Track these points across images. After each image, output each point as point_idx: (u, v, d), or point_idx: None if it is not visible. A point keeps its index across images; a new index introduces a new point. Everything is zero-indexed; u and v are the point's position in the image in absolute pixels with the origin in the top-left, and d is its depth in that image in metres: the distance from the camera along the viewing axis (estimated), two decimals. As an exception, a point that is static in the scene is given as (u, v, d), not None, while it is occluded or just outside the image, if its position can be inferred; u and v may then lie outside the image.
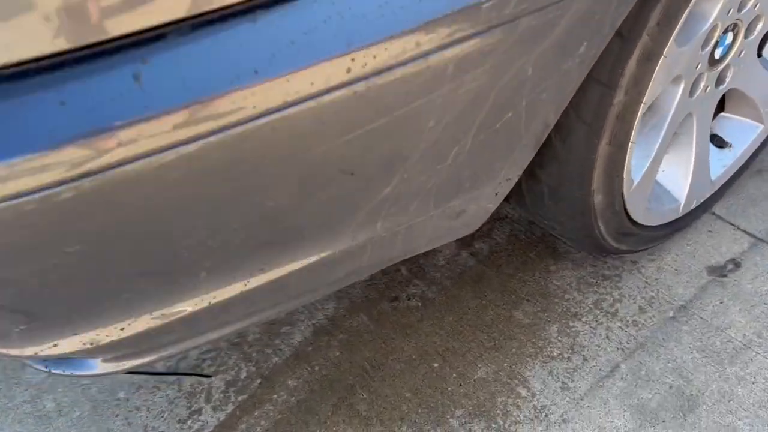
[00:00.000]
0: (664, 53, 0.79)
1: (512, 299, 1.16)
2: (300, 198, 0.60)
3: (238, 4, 0.52)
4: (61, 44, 0.47)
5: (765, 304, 1.09)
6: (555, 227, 1.01)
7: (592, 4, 0.66)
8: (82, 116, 0.48)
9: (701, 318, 1.09)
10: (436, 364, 1.09)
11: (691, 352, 1.05)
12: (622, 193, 0.94)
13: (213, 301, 0.65)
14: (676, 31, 0.79)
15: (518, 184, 0.95)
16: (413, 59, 0.57)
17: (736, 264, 1.15)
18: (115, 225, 0.54)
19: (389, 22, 0.56)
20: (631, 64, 0.77)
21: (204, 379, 1.12)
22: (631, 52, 0.75)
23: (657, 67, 0.80)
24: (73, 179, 0.49)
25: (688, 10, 0.79)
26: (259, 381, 1.10)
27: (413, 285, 1.20)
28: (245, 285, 0.66)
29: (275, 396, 1.08)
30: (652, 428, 0.96)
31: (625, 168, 0.90)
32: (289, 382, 1.10)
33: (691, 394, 1.00)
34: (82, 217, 0.52)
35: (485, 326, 1.13)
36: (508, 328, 1.12)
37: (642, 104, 0.82)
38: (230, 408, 1.08)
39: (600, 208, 0.93)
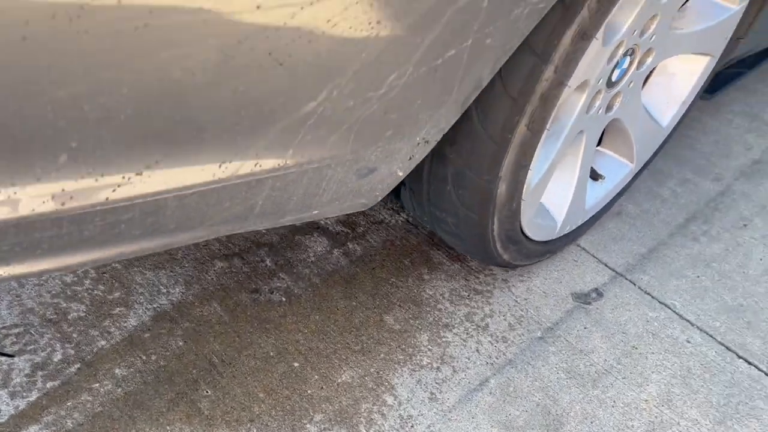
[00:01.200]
0: (596, 36, 0.78)
1: (384, 303, 1.07)
2: (212, 80, 0.48)
3: None
4: None
5: (623, 333, 1.11)
6: (447, 221, 0.95)
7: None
8: None
9: (567, 341, 1.08)
10: (296, 364, 0.96)
11: (557, 373, 1.03)
12: (523, 191, 0.91)
13: (66, 204, 0.49)
14: (609, 17, 0.78)
15: (418, 176, 0.89)
16: None
17: (599, 294, 1.17)
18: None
19: None
20: (566, 40, 0.74)
21: (3, 359, 0.89)
22: (569, 24, 0.73)
23: (587, 49, 0.79)
24: None
25: (589, 47, 0.79)
26: (77, 366, 0.90)
27: (278, 278, 1.08)
28: (112, 191, 0.51)
29: (96, 385, 0.89)
30: (520, 445, 0.91)
31: (534, 159, 0.87)
32: (117, 371, 0.91)
33: (557, 414, 0.97)
34: None
35: (354, 328, 1.02)
36: (377, 333, 1.03)
37: (566, 87, 0.80)
38: (34, 396, 0.86)
39: (500, 201, 0.89)
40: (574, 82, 0.82)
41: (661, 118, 1.23)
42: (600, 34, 0.80)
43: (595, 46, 0.81)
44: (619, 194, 1.28)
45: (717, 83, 1.42)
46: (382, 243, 1.18)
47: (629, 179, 1.25)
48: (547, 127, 0.83)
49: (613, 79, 1.01)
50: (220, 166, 0.55)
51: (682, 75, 1.20)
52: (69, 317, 0.96)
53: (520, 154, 0.83)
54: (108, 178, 0.49)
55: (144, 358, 0.93)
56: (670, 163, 1.52)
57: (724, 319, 1.17)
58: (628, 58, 1.01)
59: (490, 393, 0.98)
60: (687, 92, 1.22)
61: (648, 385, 1.03)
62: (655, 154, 1.30)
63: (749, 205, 1.45)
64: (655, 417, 0.99)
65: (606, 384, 1.03)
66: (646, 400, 1.01)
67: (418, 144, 0.71)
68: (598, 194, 1.21)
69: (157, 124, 0.48)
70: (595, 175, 1.22)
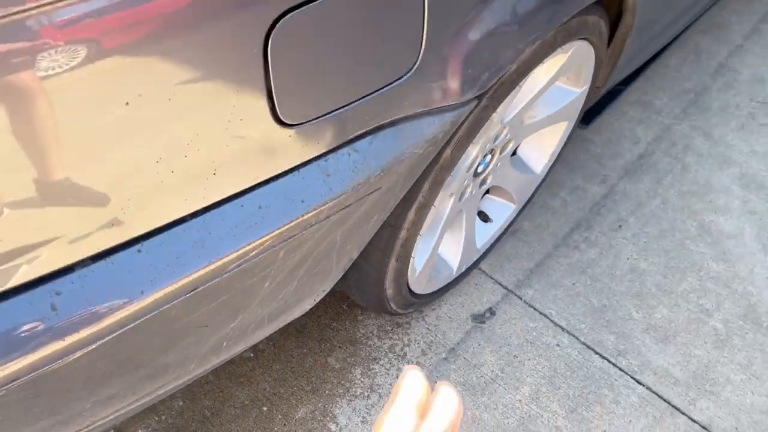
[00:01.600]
0: (434, 204, 1.09)
1: (327, 347, 1.44)
2: (167, 347, 0.82)
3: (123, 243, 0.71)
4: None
5: (508, 345, 1.49)
6: (361, 302, 1.31)
7: (392, 186, 0.93)
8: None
9: (464, 358, 1.46)
10: (265, 408, 1.35)
11: (456, 387, 1.41)
12: (407, 284, 1.25)
13: (92, 425, 0.85)
14: (443, 187, 1.09)
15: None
16: (257, 255, 0.81)
17: (492, 312, 1.54)
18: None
19: (239, 239, 0.78)
20: (411, 214, 1.06)
21: None
22: (409, 207, 1.04)
23: (429, 212, 1.10)
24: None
25: (450, 176, 1.09)
26: (112, 431, 1.29)
27: (245, 337, 1.44)
28: (122, 408, 0.86)
29: (127, 444, 1.28)
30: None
31: (409, 272, 1.21)
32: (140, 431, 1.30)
33: (455, 419, 1.36)
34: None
35: (305, 372, 1.40)
36: (323, 373, 1.41)
37: (419, 236, 1.12)
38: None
39: (390, 295, 1.23)
40: (438, 201, 1.13)
41: (535, 167, 1.53)
42: (437, 202, 1.11)
43: (434, 209, 1.12)
44: (510, 225, 1.61)
45: (592, 113, 1.70)
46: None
47: (514, 216, 1.58)
48: (412, 255, 1.16)
49: (479, 171, 1.31)
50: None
51: (549, 136, 1.49)
52: (99, 392, 1.34)
53: (397, 274, 1.17)
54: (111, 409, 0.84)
55: (156, 418, 1.32)
56: (564, 172, 1.83)
57: (588, 321, 1.54)
58: (489, 156, 1.31)
59: (406, 410, 1.37)
60: (554, 146, 1.51)
61: (522, 387, 1.42)
62: (538, 188, 1.61)
63: (627, 205, 1.77)
64: (525, 413, 1.38)
65: (491, 391, 1.41)
66: (519, 400, 1.40)
67: (318, 295, 1.05)
68: (488, 233, 1.54)
69: (140, 377, 0.83)
70: (485, 218, 1.55)
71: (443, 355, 1.46)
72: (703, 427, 1.39)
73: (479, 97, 0.96)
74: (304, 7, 0.67)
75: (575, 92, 1.38)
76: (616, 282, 1.61)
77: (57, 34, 0.55)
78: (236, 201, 0.76)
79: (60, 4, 0.54)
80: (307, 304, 1.06)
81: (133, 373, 0.81)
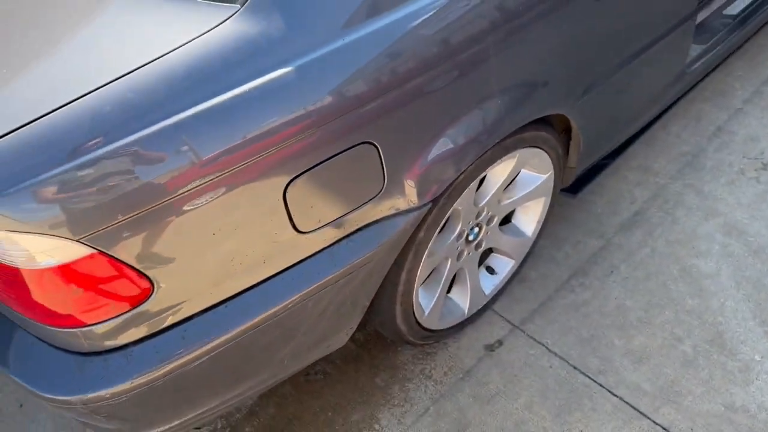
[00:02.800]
0: (419, 267, 1.63)
1: (375, 370, 1.99)
2: (248, 360, 1.42)
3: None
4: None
5: (511, 367, 1.95)
6: (387, 336, 1.85)
7: (379, 259, 1.49)
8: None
9: (476, 378, 1.94)
10: (330, 414, 1.91)
11: (468, 399, 1.90)
12: (418, 323, 1.78)
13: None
14: (425, 255, 1.63)
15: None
16: (294, 305, 1.39)
17: (500, 343, 2.02)
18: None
19: (282, 297, 1.37)
20: (403, 274, 1.60)
21: None
22: (402, 270, 1.59)
23: (417, 273, 1.64)
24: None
25: (429, 248, 1.63)
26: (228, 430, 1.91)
27: (317, 364, 2.03)
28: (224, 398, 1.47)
29: (238, 438, 1.89)
30: (443, 443, 1.82)
31: (415, 313, 1.74)
32: (247, 429, 1.91)
33: (465, 423, 1.85)
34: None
35: (359, 388, 1.96)
36: (371, 389, 1.95)
37: (415, 288, 1.66)
38: (213, 446, 1.88)
39: (405, 330, 1.77)
40: (424, 265, 1.67)
41: (526, 231, 2.02)
42: (421, 265, 1.65)
43: (422, 270, 1.66)
44: (515, 274, 2.09)
45: (579, 183, 2.15)
46: (374, 331, 2.09)
47: (516, 268, 2.06)
48: (414, 304, 1.69)
49: (470, 239, 1.83)
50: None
51: (532, 208, 1.98)
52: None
53: (405, 314, 1.71)
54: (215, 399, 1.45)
55: (256, 421, 1.92)
56: (568, 229, 2.28)
57: (577, 348, 1.97)
58: (476, 228, 1.83)
59: (429, 416, 1.88)
60: (539, 215, 1.99)
61: (519, 399, 1.88)
62: (534, 245, 2.08)
63: (620, 255, 2.20)
64: (520, 418, 1.84)
65: (494, 402, 1.89)
66: (516, 408, 1.86)
67: (347, 332, 1.61)
68: (494, 283, 2.03)
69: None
70: (492, 271, 2.05)
71: (460, 376, 1.95)
72: (664, 428, 1.78)
73: (434, 201, 1.50)
74: (303, 175, 1.26)
75: (542, 177, 1.87)
76: (603, 317, 2.04)
77: (192, 198, 1.17)
78: (277, 276, 1.35)
79: (181, 191, 1.17)
80: (343, 335, 1.63)
81: (233, 375, 1.42)
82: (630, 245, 2.21)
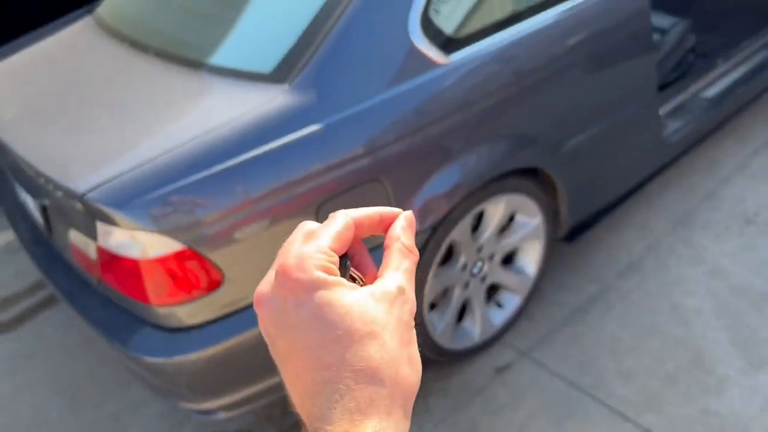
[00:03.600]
0: (426, 285, 2.06)
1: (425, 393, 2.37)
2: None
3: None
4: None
5: (518, 384, 2.29)
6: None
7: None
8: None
9: (488, 393, 2.29)
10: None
11: (481, 413, 2.24)
12: (432, 339, 2.18)
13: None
14: (430, 276, 2.06)
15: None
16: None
17: (509, 366, 2.37)
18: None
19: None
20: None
21: (254, 435, 2.32)
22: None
23: (424, 292, 2.07)
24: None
25: (433, 270, 2.07)
26: (280, 434, 2.31)
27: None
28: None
29: (288, 440, 2.29)
30: (456, 443, 2.15)
31: (429, 332, 2.14)
32: (294, 434, 2.30)
33: (478, 427, 2.18)
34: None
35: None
36: (428, 413, 2.32)
37: (424, 306, 2.08)
38: (267, 447, 2.28)
39: (420, 342, 2.16)
40: (429, 287, 2.10)
41: (527, 270, 2.42)
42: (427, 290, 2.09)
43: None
44: (521, 310, 2.46)
45: (576, 231, 2.56)
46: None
47: (521, 304, 2.44)
48: (433, 308, 2.11)
49: (474, 273, 2.26)
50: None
51: (530, 250, 2.39)
52: None
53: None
54: None
55: None
56: (570, 276, 2.66)
57: (575, 369, 2.30)
58: (479, 263, 2.26)
59: (445, 423, 2.22)
60: (537, 254, 2.40)
61: (523, 409, 2.21)
62: (538, 280, 2.47)
63: (616, 296, 2.55)
64: (522, 424, 2.16)
65: (502, 412, 2.22)
66: (520, 417, 2.19)
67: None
68: (503, 316, 2.41)
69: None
70: (500, 305, 2.44)
71: (473, 392, 2.31)
72: (647, 429, 2.06)
73: (434, 227, 1.96)
74: (332, 201, 1.77)
75: (532, 222, 2.30)
76: (599, 345, 2.37)
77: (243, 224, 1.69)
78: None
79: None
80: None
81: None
82: (626, 288, 2.56)
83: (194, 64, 1.96)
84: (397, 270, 0.46)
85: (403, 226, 0.48)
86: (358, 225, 0.47)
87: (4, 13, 3.81)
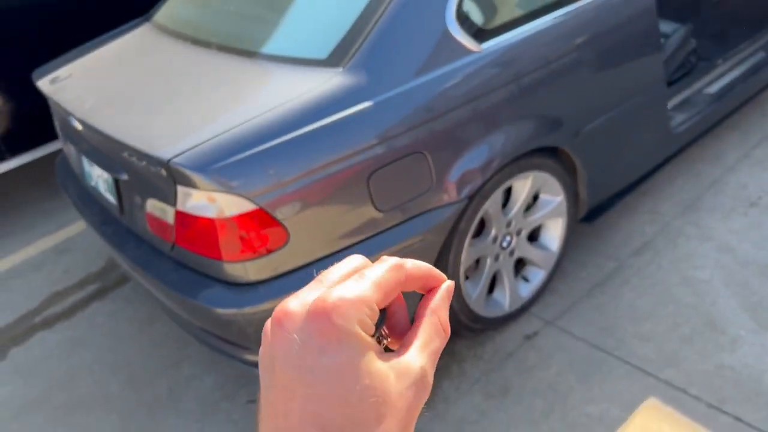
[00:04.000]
0: (463, 253, 2.28)
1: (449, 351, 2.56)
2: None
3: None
4: (287, 270, 1.98)
5: (545, 348, 2.49)
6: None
7: (432, 239, 2.15)
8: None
9: (517, 358, 2.48)
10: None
11: (513, 371, 2.43)
12: (467, 305, 2.38)
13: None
14: (466, 245, 2.28)
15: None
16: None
17: (536, 333, 2.57)
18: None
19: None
20: (450, 257, 2.25)
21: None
22: (449, 253, 2.24)
23: (461, 257, 2.28)
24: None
25: (469, 239, 2.28)
26: None
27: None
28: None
29: None
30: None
31: (465, 297, 2.35)
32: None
33: (509, 390, 2.37)
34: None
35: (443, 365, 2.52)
36: (450, 361, 2.51)
37: (461, 272, 2.29)
38: None
39: (457, 308, 2.37)
40: (466, 254, 2.31)
41: (551, 246, 2.64)
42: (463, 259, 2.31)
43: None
44: (545, 285, 2.67)
45: (595, 213, 2.78)
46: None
47: (546, 278, 2.65)
48: (467, 274, 2.32)
49: (504, 246, 2.47)
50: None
51: (553, 226, 2.61)
52: None
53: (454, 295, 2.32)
54: None
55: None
56: (589, 255, 2.87)
57: (597, 334, 2.50)
58: (508, 237, 2.48)
59: (480, 383, 2.41)
60: (561, 232, 2.62)
61: (551, 369, 2.40)
62: (560, 257, 2.68)
63: (631, 271, 2.75)
64: (551, 381, 2.36)
65: (532, 372, 2.41)
66: (548, 375, 2.38)
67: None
68: (529, 288, 2.62)
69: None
70: (527, 279, 2.65)
71: (504, 356, 2.50)
72: (667, 382, 2.25)
73: (470, 197, 2.19)
74: (381, 169, 2.00)
75: (555, 200, 2.53)
76: (618, 313, 2.57)
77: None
78: (364, 242, 2.04)
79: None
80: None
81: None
82: (640, 264, 2.77)
83: (255, 54, 2.21)
84: (425, 348, 0.43)
85: (444, 297, 0.46)
86: (407, 279, 0.44)
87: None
